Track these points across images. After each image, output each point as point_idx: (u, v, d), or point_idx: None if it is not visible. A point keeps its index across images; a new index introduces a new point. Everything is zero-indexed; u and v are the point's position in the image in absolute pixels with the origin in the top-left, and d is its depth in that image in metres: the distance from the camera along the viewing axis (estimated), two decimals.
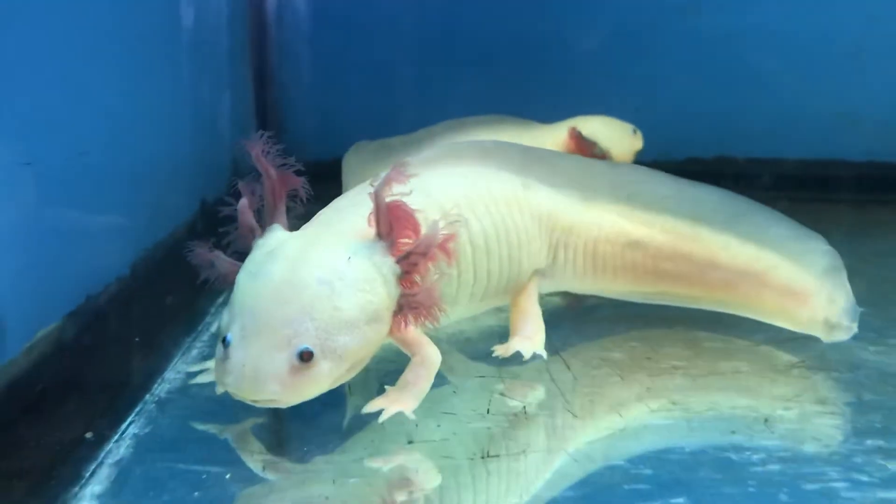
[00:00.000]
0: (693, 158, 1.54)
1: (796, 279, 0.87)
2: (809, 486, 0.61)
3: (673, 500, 0.59)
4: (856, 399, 0.74)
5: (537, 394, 0.76)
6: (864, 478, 0.62)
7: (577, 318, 0.94)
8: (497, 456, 0.64)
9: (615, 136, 1.35)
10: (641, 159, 1.36)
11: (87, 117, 0.82)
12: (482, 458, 0.64)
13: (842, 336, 0.83)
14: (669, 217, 0.91)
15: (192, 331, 0.88)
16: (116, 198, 0.89)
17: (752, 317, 0.89)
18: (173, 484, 0.61)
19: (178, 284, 0.89)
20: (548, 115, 1.34)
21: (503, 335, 0.84)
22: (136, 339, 0.83)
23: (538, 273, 0.86)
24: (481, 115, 1.32)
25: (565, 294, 0.94)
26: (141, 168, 0.96)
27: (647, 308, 0.92)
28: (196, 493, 0.60)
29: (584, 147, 1.29)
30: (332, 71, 1.52)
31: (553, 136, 1.30)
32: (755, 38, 1.50)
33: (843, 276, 0.84)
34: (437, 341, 0.72)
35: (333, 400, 0.72)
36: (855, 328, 0.82)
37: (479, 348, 0.84)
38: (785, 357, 0.83)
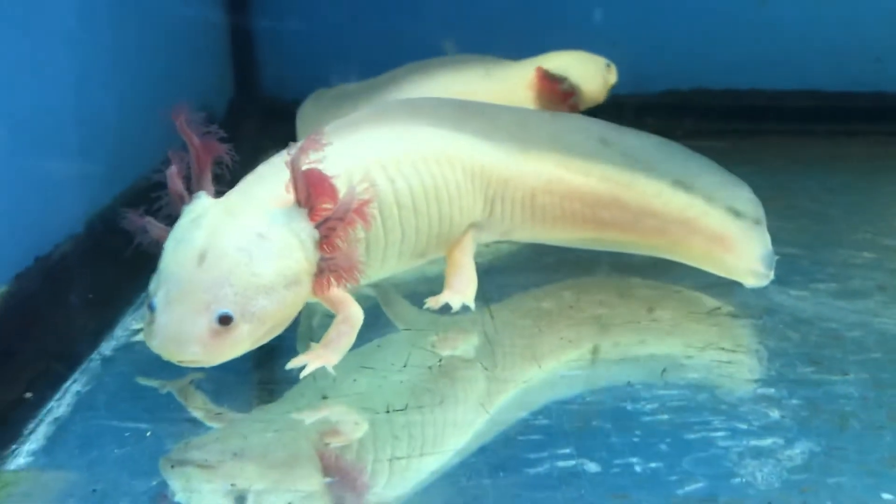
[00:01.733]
0: (670, 91, 1.54)
1: (721, 226, 0.89)
2: (690, 436, 0.64)
3: (561, 450, 0.63)
4: (760, 346, 0.77)
5: (462, 346, 0.80)
6: (744, 426, 0.65)
7: (517, 267, 0.97)
8: (404, 409, 0.69)
9: (587, 71, 1.34)
10: (617, 92, 1.37)
11: (41, 71, 0.84)
12: (387, 412, 0.68)
13: (760, 282, 0.86)
14: (606, 165, 0.94)
15: (144, 287, 0.92)
16: (73, 149, 0.92)
17: (685, 262, 0.92)
18: (103, 440, 0.66)
19: (131, 244, 0.93)
20: (521, 52, 1.34)
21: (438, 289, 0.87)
22: (89, 297, 0.87)
23: (474, 226, 0.89)
24: (446, 56, 1.33)
25: (510, 242, 0.98)
26: (102, 117, 0.98)
27: (588, 254, 0.95)
28: (118, 450, 0.65)
29: (553, 84, 1.29)
30: (308, 10, 1.52)
31: (521, 73, 1.30)
32: None
33: (763, 225, 0.87)
34: (383, 290, 0.76)
35: (269, 353, 0.77)
36: (771, 275, 0.86)
37: (422, 298, 0.87)
38: (709, 302, 0.86)
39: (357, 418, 0.69)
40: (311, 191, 0.72)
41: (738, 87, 1.52)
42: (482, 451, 0.65)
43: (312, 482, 0.63)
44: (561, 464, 0.62)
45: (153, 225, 0.76)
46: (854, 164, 1.27)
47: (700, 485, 0.59)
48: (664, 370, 0.73)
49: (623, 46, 1.41)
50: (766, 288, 0.86)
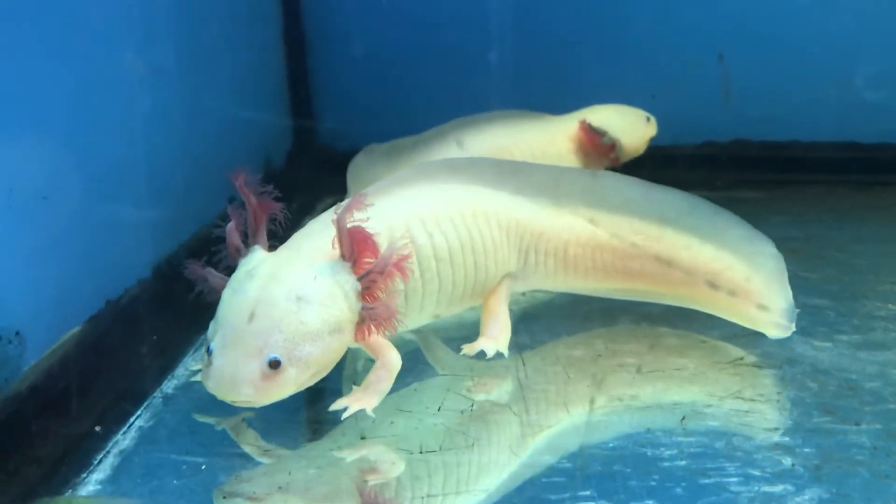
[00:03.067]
0: (708, 142, 1.58)
1: (746, 279, 0.93)
2: (704, 481, 0.68)
3: (581, 492, 0.68)
4: (779, 396, 0.81)
5: (498, 390, 0.85)
6: (757, 472, 0.69)
7: (551, 315, 1.02)
8: (438, 451, 0.74)
9: (628, 124, 1.39)
10: (656, 145, 1.42)
11: (108, 121, 0.91)
12: (421, 453, 0.74)
13: (782, 334, 0.90)
14: (637, 219, 0.99)
15: (204, 329, 0.99)
16: (140, 200, 1.00)
17: (712, 313, 0.96)
18: (162, 472, 0.73)
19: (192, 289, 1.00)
20: (562, 108, 1.40)
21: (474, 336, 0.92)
22: (154, 338, 0.95)
23: (509, 276, 0.95)
24: (491, 112, 1.39)
25: (545, 292, 1.03)
26: (168, 169, 1.06)
27: (618, 304, 0.99)
28: (175, 482, 0.71)
29: (595, 137, 1.34)
30: (365, 66, 1.60)
31: (564, 128, 1.35)
32: (771, 21, 1.52)
33: (785, 278, 0.91)
34: (424, 335, 0.81)
35: (318, 394, 0.83)
36: (793, 328, 0.89)
37: (461, 344, 0.92)
38: (733, 352, 0.90)
39: (394, 458, 0.75)
40: (354, 247, 0.78)
41: (774, 139, 1.56)
42: (509, 491, 0.70)
43: None
44: None
45: (212, 275, 0.84)
46: (886, 214, 1.29)
47: None
48: (684, 418, 0.77)
49: (662, 100, 1.46)
50: (789, 338, 0.90)
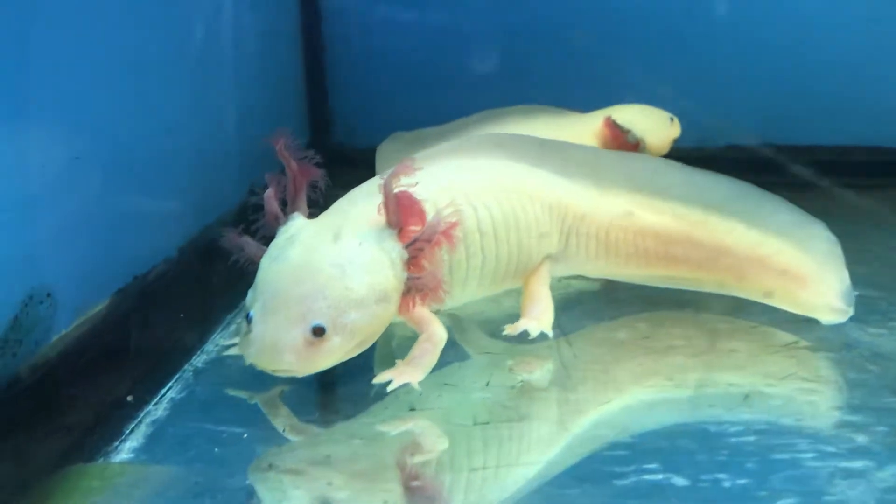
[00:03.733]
0: (732, 145, 1.56)
1: (797, 263, 0.90)
2: (777, 456, 0.65)
3: (647, 465, 0.64)
4: (840, 378, 0.78)
5: (542, 370, 0.82)
6: (831, 448, 0.66)
7: (590, 301, 0.99)
8: (488, 423, 0.70)
9: (652, 124, 1.37)
10: (679, 146, 1.39)
11: (136, 111, 0.90)
12: (474, 425, 0.70)
13: (838, 318, 0.87)
14: (679, 204, 0.96)
15: (232, 308, 0.96)
16: (165, 185, 0.98)
17: (758, 300, 0.93)
18: (198, 441, 0.69)
19: (222, 266, 0.98)
20: (585, 105, 1.38)
21: (516, 317, 0.89)
22: (181, 315, 0.91)
23: (550, 258, 0.92)
24: (517, 106, 1.37)
25: (582, 278, 1.00)
26: (190, 156, 1.04)
27: (659, 291, 0.96)
28: (216, 450, 0.67)
29: (619, 135, 1.32)
30: (380, 64, 1.58)
31: (589, 125, 1.33)
32: (797, 24, 1.51)
33: (842, 261, 0.88)
34: (458, 319, 0.78)
35: (352, 371, 0.79)
36: (851, 311, 0.86)
37: (496, 328, 0.89)
38: (783, 337, 0.87)
39: (441, 431, 0.71)
40: (401, 213, 0.75)
41: (800, 143, 1.54)
42: (567, 464, 0.66)
43: (396, 491, 0.64)
44: (648, 477, 0.63)
45: (249, 244, 0.80)
46: None
47: (791, 501, 0.59)
48: (747, 395, 0.74)
49: (686, 101, 1.44)
50: (842, 325, 0.87)
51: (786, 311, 0.91)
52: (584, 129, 1.32)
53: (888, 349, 0.82)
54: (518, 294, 0.95)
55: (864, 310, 0.89)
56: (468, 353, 0.84)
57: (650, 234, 0.95)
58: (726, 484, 0.62)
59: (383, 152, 1.27)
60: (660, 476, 0.63)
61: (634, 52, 1.52)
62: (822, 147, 1.52)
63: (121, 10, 0.87)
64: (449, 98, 1.55)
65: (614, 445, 0.68)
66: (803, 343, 0.85)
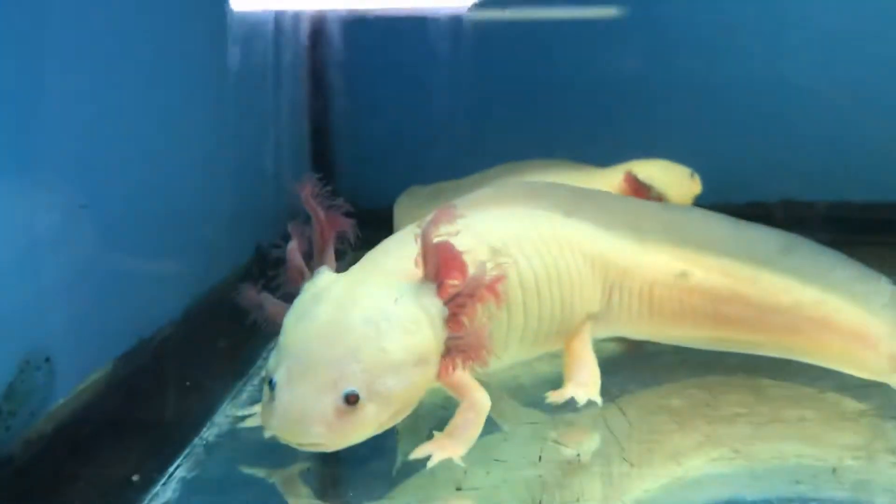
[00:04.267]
0: (754, 202, 1.51)
1: (862, 322, 0.83)
2: None
3: None
4: None
5: (592, 441, 0.74)
6: None
7: (633, 365, 0.91)
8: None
9: (672, 179, 1.32)
10: (700, 203, 1.34)
11: (140, 164, 0.84)
12: None
13: None
14: (727, 259, 0.89)
15: (242, 375, 0.87)
16: (170, 244, 0.91)
17: (817, 363, 0.86)
18: None
19: (230, 329, 0.90)
20: (603, 160, 1.33)
21: (557, 382, 0.82)
22: (187, 384, 0.83)
23: (592, 317, 0.84)
24: (535, 159, 1.32)
25: (622, 340, 0.92)
26: (196, 214, 0.98)
27: (706, 354, 0.89)
28: None
29: (640, 191, 1.27)
30: (388, 118, 1.53)
31: (608, 180, 1.28)
32: (815, 80, 1.47)
33: None
34: (488, 387, 0.71)
35: (381, 445, 0.71)
36: None
37: (532, 395, 0.81)
38: (853, 404, 0.79)
39: None
40: (440, 265, 0.68)
41: (824, 199, 1.49)
42: None
43: None
44: None
45: (270, 301, 0.73)
46: None
47: None
48: (834, 469, 0.66)
49: (707, 157, 1.40)
50: None
51: (848, 376, 0.83)
52: (604, 184, 1.27)
53: None
54: (551, 358, 0.87)
55: None
56: (509, 425, 0.76)
57: (697, 291, 0.88)
58: None
59: (401, 207, 1.21)
60: None
61: (654, 107, 1.48)
62: (846, 203, 1.48)
63: (134, 61, 0.81)
64: (454, 160, 1.50)
65: None
66: (880, 410, 0.77)
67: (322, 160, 1.54)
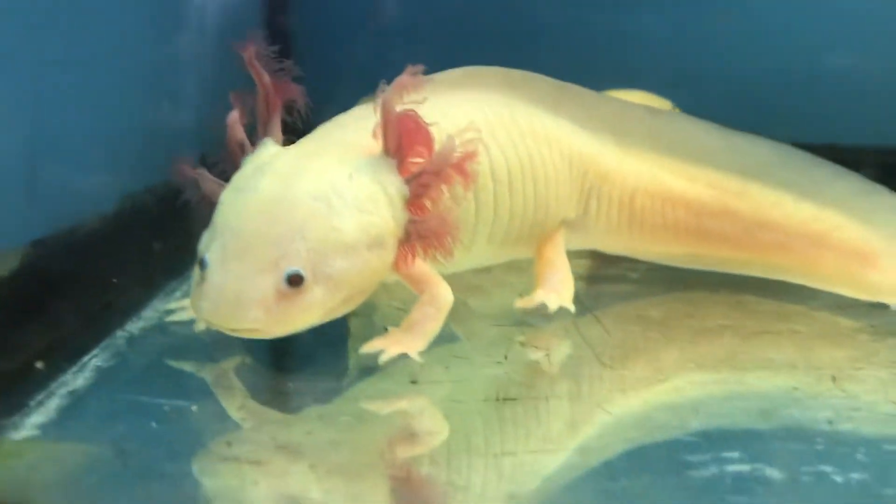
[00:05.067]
0: None
1: (863, 239, 0.76)
2: (891, 447, 0.50)
3: (726, 454, 0.49)
4: None
5: (563, 345, 0.66)
6: None
7: (609, 279, 0.83)
8: (514, 400, 0.55)
9: None
10: None
11: (101, 66, 0.76)
12: (497, 400, 0.54)
13: None
14: (714, 170, 0.82)
15: (179, 275, 0.79)
16: (110, 134, 0.82)
17: (808, 283, 0.79)
18: (130, 416, 0.52)
19: (170, 231, 0.82)
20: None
21: (527, 291, 0.74)
22: (114, 280, 0.74)
23: (566, 224, 0.77)
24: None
25: (598, 256, 0.85)
26: (141, 115, 0.89)
27: (685, 272, 0.82)
28: (154, 425, 0.50)
29: None
30: (349, 32, 1.44)
31: None
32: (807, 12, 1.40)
33: None
34: (455, 290, 0.63)
35: (330, 338, 0.63)
36: None
37: (500, 301, 0.74)
38: (848, 322, 0.72)
39: (449, 409, 0.55)
40: (403, 138, 0.59)
41: (809, 141, 1.42)
42: (620, 451, 0.50)
43: (385, 489, 0.48)
44: (731, 468, 0.47)
45: (206, 178, 0.64)
46: None
47: None
48: (834, 378, 0.59)
49: (687, 90, 1.33)
50: None
51: (840, 297, 0.76)
52: None
53: None
54: (521, 271, 0.80)
55: None
56: (473, 329, 0.68)
57: (681, 203, 0.80)
58: (837, 478, 0.47)
59: None
60: (746, 467, 0.47)
61: (637, 40, 1.40)
62: (834, 146, 1.42)
63: None
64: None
65: (678, 430, 0.52)
66: (877, 328, 0.70)
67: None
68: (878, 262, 0.75)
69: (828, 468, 0.47)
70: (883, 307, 0.74)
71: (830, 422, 0.53)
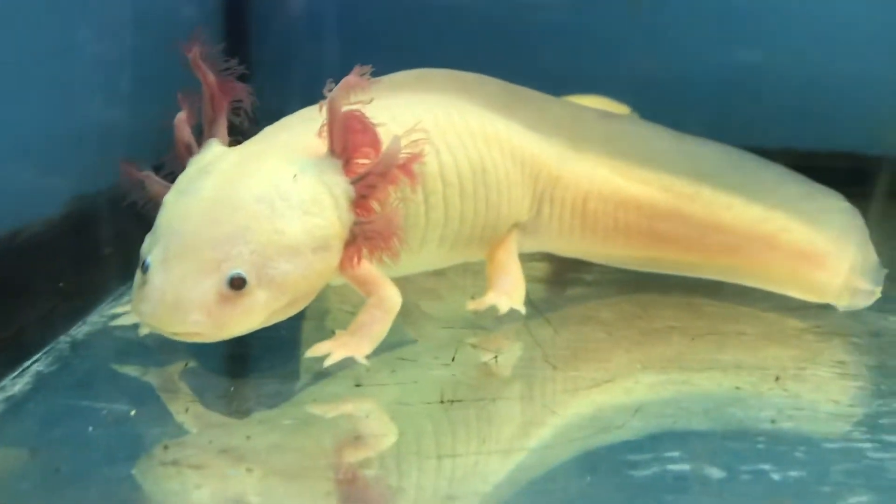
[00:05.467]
0: None
1: (811, 241, 0.77)
2: (829, 445, 0.51)
3: (667, 454, 0.49)
4: (878, 363, 0.64)
5: (513, 347, 0.66)
6: (894, 439, 0.52)
7: (561, 281, 0.84)
8: (461, 402, 0.54)
9: None
10: None
11: (48, 66, 0.74)
12: (442, 402, 0.54)
13: (862, 302, 0.73)
14: (667, 174, 0.82)
15: (129, 279, 0.78)
16: (58, 136, 0.81)
17: (758, 285, 0.79)
18: (68, 420, 0.51)
19: (117, 235, 0.81)
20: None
21: (479, 293, 0.74)
22: (59, 284, 0.73)
23: (519, 227, 0.77)
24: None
25: (551, 258, 0.85)
26: (90, 116, 0.88)
27: (638, 274, 0.82)
28: (91, 430, 0.49)
29: None
30: (309, 39, 1.43)
31: None
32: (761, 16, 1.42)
33: (865, 234, 0.74)
34: (407, 292, 0.63)
35: (275, 342, 0.62)
36: (878, 293, 0.73)
37: (451, 303, 0.74)
38: (795, 323, 0.73)
39: (395, 412, 0.55)
40: (349, 138, 0.59)
41: (765, 146, 1.44)
42: (564, 451, 0.51)
43: (328, 493, 0.48)
44: (673, 468, 0.47)
45: (153, 180, 0.63)
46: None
47: (864, 498, 0.45)
48: (777, 377, 0.59)
49: (644, 95, 1.34)
50: (858, 313, 0.74)
51: (789, 299, 0.77)
52: None
53: None
54: (474, 273, 0.80)
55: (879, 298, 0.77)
56: (423, 331, 0.68)
57: (633, 206, 0.81)
58: (775, 476, 0.47)
59: None
60: (686, 466, 0.48)
61: (595, 44, 1.41)
62: (790, 150, 1.43)
63: None
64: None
65: (622, 430, 0.52)
66: (822, 328, 0.71)
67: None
68: (825, 264, 0.76)
69: (767, 466, 0.48)
70: (830, 308, 0.75)
71: (773, 421, 0.54)
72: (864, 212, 0.80)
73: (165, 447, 0.49)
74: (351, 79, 0.59)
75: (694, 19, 1.35)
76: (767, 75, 1.34)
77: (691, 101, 1.32)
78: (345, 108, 0.59)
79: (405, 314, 0.64)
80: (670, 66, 1.35)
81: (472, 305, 0.71)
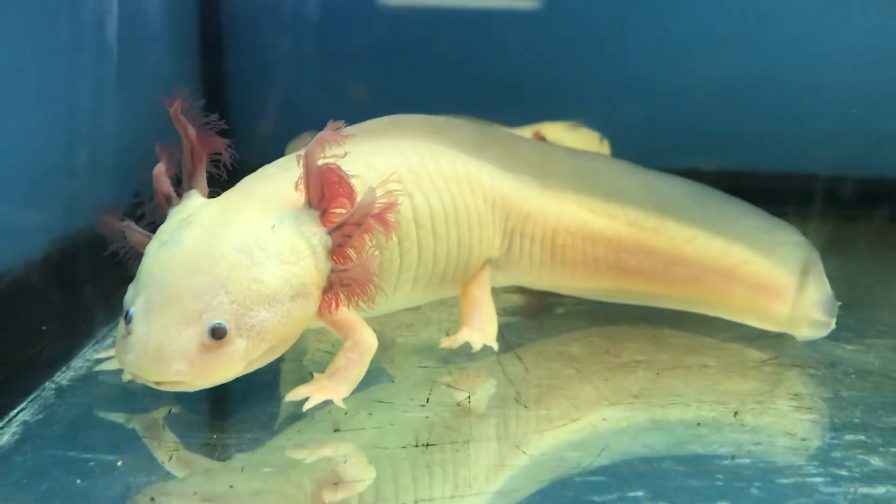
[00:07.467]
0: (661, 169, 1.49)
1: (768, 273, 0.80)
2: (784, 481, 0.54)
3: (631, 493, 0.52)
4: (833, 395, 0.67)
5: (486, 386, 0.69)
6: (844, 472, 0.55)
7: (532, 315, 0.87)
8: (436, 445, 0.57)
9: (580, 143, 1.28)
10: None
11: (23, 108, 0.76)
12: (417, 447, 0.56)
13: (818, 333, 0.77)
14: (632, 208, 0.85)
15: (109, 321, 0.80)
16: (37, 176, 0.82)
17: (720, 315, 0.83)
18: (56, 472, 0.53)
19: (99, 275, 0.82)
20: (514, 122, 1.28)
21: (452, 329, 0.77)
22: (43, 328, 0.75)
23: (491, 263, 0.80)
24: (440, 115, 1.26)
25: (523, 291, 0.88)
26: (70, 156, 0.89)
27: (607, 306, 0.85)
28: (79, 482, 0.51)
29: None
30: (285, 69, 1.45)
31: None
32: (731, 44, 1.45)
33: (820, 268, 0.78)
34: (377, 333, 0.65)
35: (255, 387, 0.64)
36: (833, 324, 0.76)
37: (425, 340, 0.77)
38: (755, 354, 0.76)
39: (372, 455, 0.57)
40: (325, 190, 0.61)
41: (732, 168, 1.48)
42: (533, 492, 0.53)
43: None
44: None
45: (133, 230, 0.65)
46: (860, 246, 1.21)
47: None
48: (736, 413, 0.62)
49: (616, 121, 1.37)
50: (817, 342, 0.77)
51: (751, 328, 0.81)
52: None
53: (875, 366, 0.73)
54: (448, 308, 0.83)
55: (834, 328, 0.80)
56: (398, 370, 0.71)
57: (600, 240, 0.84)
58: None
59: (292, 151, 1.14)
60: None
61: (567, 70, 1.44)
62: (753, 173, 1.47)
63: None
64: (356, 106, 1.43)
65: (588, 470, 0.55)
66: (781, 360, 0.74)
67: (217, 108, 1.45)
68: (782, 295, 0.79)
69: None
70: (789, 337, 0.78)
71: (732, 457, 0.57)
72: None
73: (152, 499, 0.51)
74: (325, 134, 0.61)
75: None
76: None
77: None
78: (320, 162, 0.61)
79: (383, 349, 0.67)
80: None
81: (445, 343, 0.74)
